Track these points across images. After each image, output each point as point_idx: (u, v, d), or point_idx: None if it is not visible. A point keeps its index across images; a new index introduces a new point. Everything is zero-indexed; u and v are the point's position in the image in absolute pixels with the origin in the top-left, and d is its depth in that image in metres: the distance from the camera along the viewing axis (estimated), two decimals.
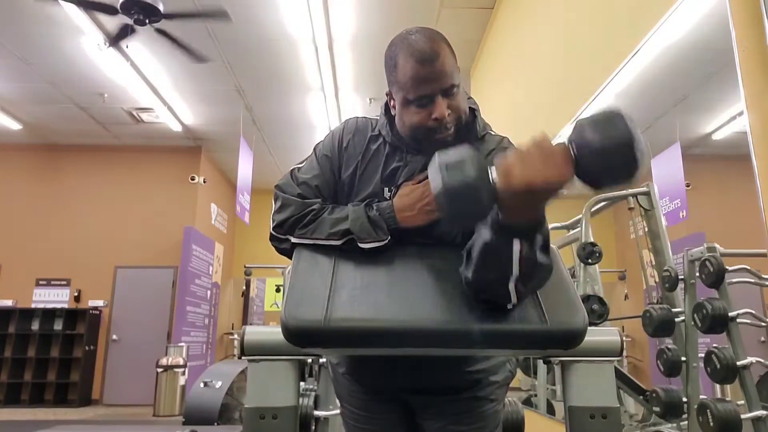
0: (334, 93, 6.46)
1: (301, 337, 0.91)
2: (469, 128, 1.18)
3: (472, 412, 1.20)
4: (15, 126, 7.63)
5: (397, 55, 1.10)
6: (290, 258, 1.14)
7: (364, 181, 1.19)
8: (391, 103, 1.18)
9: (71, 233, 8.22)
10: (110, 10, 4.48)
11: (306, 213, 1.12)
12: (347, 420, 1.31)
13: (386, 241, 1.06)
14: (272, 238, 1.16)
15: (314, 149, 1.25)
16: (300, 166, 1.23)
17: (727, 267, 1.77)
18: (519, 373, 4.30)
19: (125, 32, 4.77)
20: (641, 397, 2.48)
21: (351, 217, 1.09)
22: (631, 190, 2.65)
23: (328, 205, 1.16)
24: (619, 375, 2.42)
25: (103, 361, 7.93)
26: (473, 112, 1.19)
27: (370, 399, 1.26)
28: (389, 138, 1.20)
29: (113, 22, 4.82)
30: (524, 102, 4.02)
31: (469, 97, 1.22)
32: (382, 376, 1.23)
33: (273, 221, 1.15)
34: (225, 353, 9.63)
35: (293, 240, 1.12)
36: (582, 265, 2.65)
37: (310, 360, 1.08)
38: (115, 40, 4.93)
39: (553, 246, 1.12)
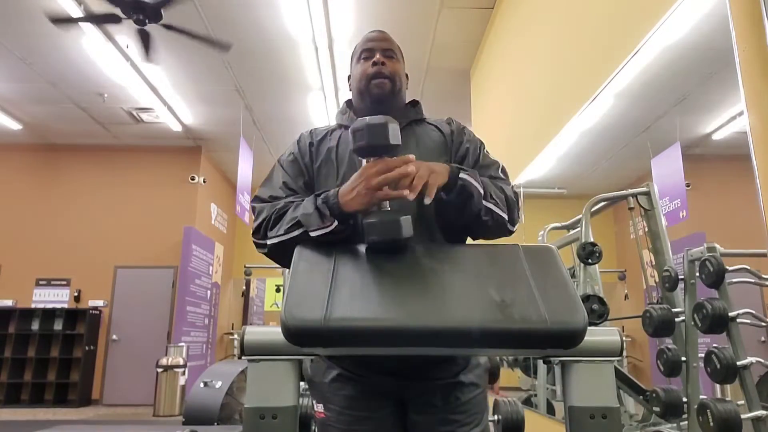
0: (334, 93, 6.46)
1: (301, 337, 0.91)
2: (415, 108, 1.43)
3: (465, 400, 1.25)
4: (15, 126, 7.64)
5: (355, 47, 1.42)
6: (277, 261, 1.24)
7: (329, 169, 1.32)
8: (349, 85, 1.43)
9: (71, 233, 8.22)
10: (115, 19, 4.52)
11: (274, 213, 1.22)
12: (333, 425, 1.25)
13: (332, 226, 1.10)
14: (256, 246, 1.27)
15: (277, 161, 1.39)
16: (268, 176, 1.37)
17: (727, 267, 1.77)
18: (519, 373, 4.30)
19: (146, 39, 4.77)
20: (641, 397, 2.48)
21: (301, 209, 1.16)
22: (631, 190, 2.65)
23: (297, 200, 1.23)
24: (619, 375, 2.43)
25: (103, 361, 7.93)
26: (417, 102, 1.45)
27: (360, 396, 1.24)
28: (349, 120, 1.37)
29: (117, 25, 4.83)
30: (524, 102, 4.01)
31: (417, 102, 1.46)
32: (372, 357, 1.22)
33: (252, 230, 1.27)
34: (225, 353, 9.63)
35: (268, 242, 1.21)
36: (582, 265, 2.65)
37: (310, 360, 1.08)
38: (146, 50, 4.93)
39: (553, 246, 1.13)
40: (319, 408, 1.29)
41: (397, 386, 1.25)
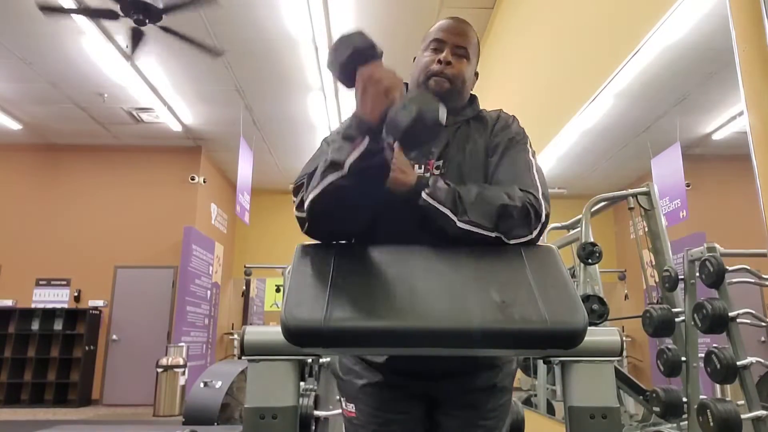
0: (334, 93, 6.46)
1: (301, 337, 0.91)
2: (472, 103, 1.37)
3: (496, 406, 1.23)
4: (15, 126, 7.64)
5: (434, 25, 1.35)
6: (322, 226, 1.12)
7: None
8: (411, 73, 1.34)
9: (71, 233, 8.22)
10: (112, 15, 4.49)
11: (306, 176, 1.14)
12: (363, 426, 1.22)
13: (364, 142, 1.02)
14: (299, 222, 1.14)
15: (323, 140, 1.28)
16: (312, 157, 1.26)
17: (727, 267, 1.77)
18: (519, 373, 4.30)
19: (138, 37, 4.76)
20: (641, 397, 2.48)
21: (329, 152, 1.07)
22: (631, 190, 2.65)
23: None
24: (619, 375, 2.42)
25: (103, 361, 7.93)
26: (474, 97, 1.38)
27: (392, 399, 1.21)
28: None
29: (115, 24, 4.82)
30: (524, 102, 4.01)
31: (475, 97, 1.39)
32: (403, 358, 1.19)
33: (295, 207, 1.16)
34: (225, 353, 9.63)
35: (306, 202, 1.10)
36: (582, 265, 2.64)
37: (310, 360, 1.08)
38: (133, 47, 4.91)
39: (553, 246, 1.13)
40: (350, 408, 1.25)
41: (430, 388, 1.23)
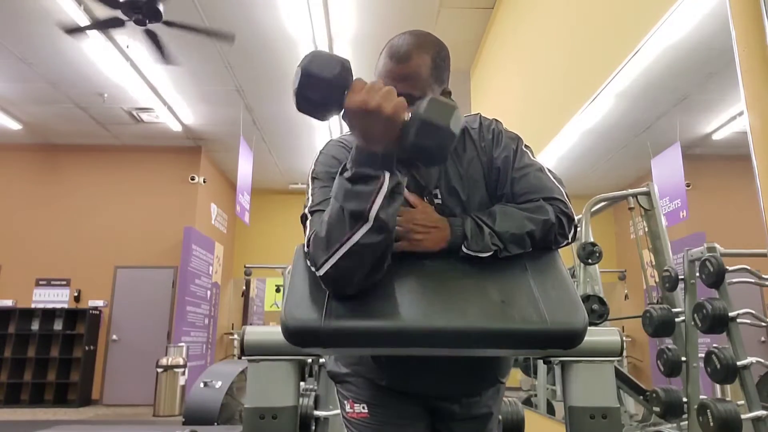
0: None
1: (301, 337, 0.91)
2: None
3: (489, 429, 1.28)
4: (15, 126, 7.63)
5: (384, 47, 1.14)
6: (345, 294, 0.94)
7: None
8: None
9: (71, 233, 8.22)
10: (119, 23, 4.54)
11: (313, 235, 0.97)
12: (372, 426, 1.21)
13: (385, 178, 0.90)
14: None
15: (312, 176, 1.14)
16: (307, 205, 1.09)
17: (727, 267, 1.77)
18: (519, 373, 4.30)
19: (154, 39, 4.81)
20: (641, 397, 2.48)
21: (334, 198, 0.94)
22: (631, 190, 2.65)
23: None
24: (619, 375, 2.42)
25: (103, 361, 7.93)
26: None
27: (402, 403, 1.21)
28: None
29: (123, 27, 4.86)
30: (524, 102, 4.01)
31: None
32: (408, 380, 1.20)
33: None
34: (225, 353, 9.63)
35: (321, 272, 0.93)
36: (582, 265, 2.64)
37: (310, 360, 1.08)
38: (161, 52, 4.96)
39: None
40: (361, 408, 1.23)
41: (434, 404, 1.25)
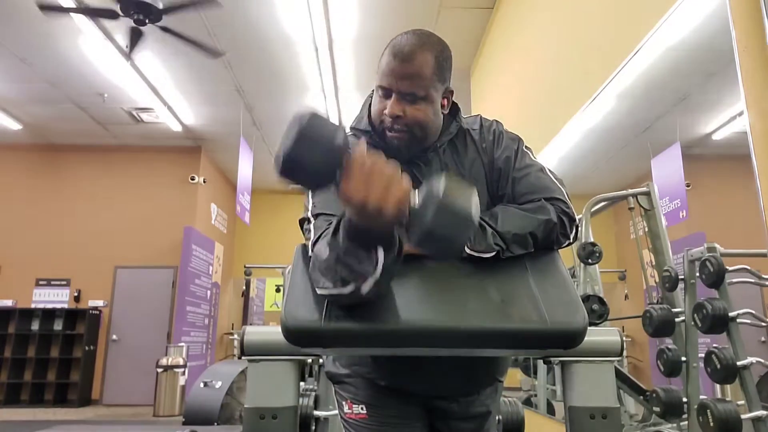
0: (334, 93, 6.46)
1: (301, 337, 0.91)
2: (455, 116, 1.20)
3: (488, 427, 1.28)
4: (15, 126, 7.63)
5: (386, 46, 1.12)
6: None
7: None
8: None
9: (71, 233, 8.22)
10: (112, 15, 4.48)
11: (317, 261, 0.94)
12: (371, 426, 1.21)
13: (378, 269, 0.86)
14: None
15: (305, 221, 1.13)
16: (308, 207, 1.09)
17: (727, 267, 1.77)
18: (519, 373, 4.30)
19: (137, 37, 4.74)
20: (641, 397, 2.48)
21: (325, 268, 0.90)
22: (631, 190, 2.65)
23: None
24: (619, 375, 2.42)
25: (103, 361, 7.93)
26: (455, 111, 1.20)
27: (401, 403, 1.22)
28: (366, 125, 1.18)
29: (115, 23, 4.82)
30: (524, 102, 4.02)
31: (457, 109, 1.21)
32: (407, 379, 1.20)
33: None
34: (225, 353, 9.63)
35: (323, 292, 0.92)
36: (582, 265, 2.65)
37: (309, 360, 1.08)
38: (131, 47, 4.90)
39: None
40: (359, 409, 1.23)
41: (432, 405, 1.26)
